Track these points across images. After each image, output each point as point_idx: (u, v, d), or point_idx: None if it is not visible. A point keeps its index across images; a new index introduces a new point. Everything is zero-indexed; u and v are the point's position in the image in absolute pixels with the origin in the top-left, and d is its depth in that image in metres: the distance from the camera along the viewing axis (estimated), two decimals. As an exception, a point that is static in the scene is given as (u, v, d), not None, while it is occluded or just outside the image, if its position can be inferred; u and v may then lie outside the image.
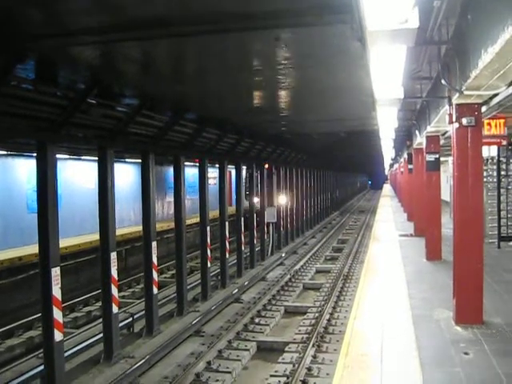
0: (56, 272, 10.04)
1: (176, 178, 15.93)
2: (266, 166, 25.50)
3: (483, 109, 9.64)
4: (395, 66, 6.91)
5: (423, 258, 16.45)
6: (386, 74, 7.55)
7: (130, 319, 14.38)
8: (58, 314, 10.06)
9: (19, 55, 7.95)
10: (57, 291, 10.05)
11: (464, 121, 9.09)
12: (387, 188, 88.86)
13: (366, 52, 6.01)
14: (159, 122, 13.53)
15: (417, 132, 19.19)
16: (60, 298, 10.17)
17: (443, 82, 8.91)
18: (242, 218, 21.55)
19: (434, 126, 13.88)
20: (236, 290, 18.69)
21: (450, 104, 9.29)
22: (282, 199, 28.96)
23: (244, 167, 23.36)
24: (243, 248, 21.59)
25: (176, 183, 15.94)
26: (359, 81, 9.99)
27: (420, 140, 18.62)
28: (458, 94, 8.41)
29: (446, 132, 15.78)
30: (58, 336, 10.03)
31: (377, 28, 4.52)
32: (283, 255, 26.51)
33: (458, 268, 9.77)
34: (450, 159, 26.40)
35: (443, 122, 11.45)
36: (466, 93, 8.12)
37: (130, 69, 9.78)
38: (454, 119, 9.25)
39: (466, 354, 8.17)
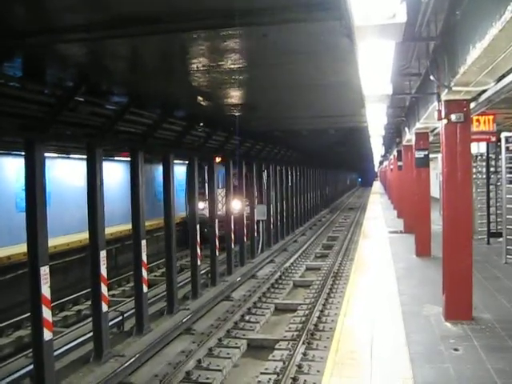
0: (45, 271, 10.00)
1: (165, 176, 15.88)
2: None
3: (472, 105, 9.67)
4: (384, 62, 6.88)
5: (413, 254, 16.49)
6: (375, 70, 7.53)
7: (120, 318, 14.32)
8: (47, 313, 10.02)
9: (6, 53, 7.88)
10: (46, 290, 10.01)
11: (453, 117, 9.09)
12: (377, 185, 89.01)
13: (355, 48, 5.98)
14: (148, 120, 13.47)
15: (406, 129, 19.21)
16: (49, 297, 10.11)
17: (432, 78, 8.91)
18: (232, 217, 21.52)
19: (423, 122, 13.89)
20: (226, 288, 18.66)
21: (439, 100, 9.30)
22: (237, 204, 22.59)
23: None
24: (233, 246, 21.55)
25: (165, 181, 15.90)
26: (348, 77, 9.97)
27: (409, 137, 18.64)
28: (446, 90, 8.41)
29: (435, 128, 15.83)
30: (47, 335, 9.99)
31: (365, 23, 4.49)
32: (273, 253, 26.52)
33: (448, 264, 9.79)
34: (440, 156, 26.47)
35: (432, 118, 11.46)
36: (454, 89, 8.12)
37: (118, 66, 9.74)
38: (442, 115, 9.26)
39: (456, 349, 8.18)
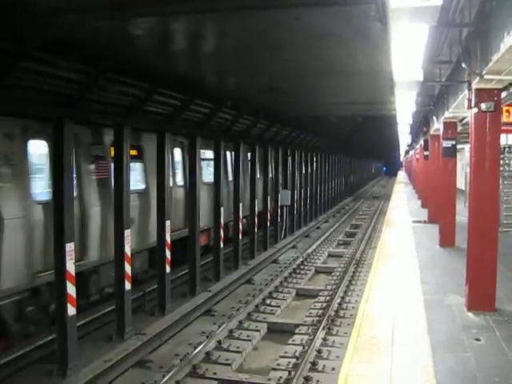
0: (70, 247, 10.11)
1: (191, 159, 15.95)
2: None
3: (503, 94, 9.54)
4: (416, 47, 6.82)
5: (436, 244, 16.43)
6: (407, 56, 7.46)
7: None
8: (71, 289, 10.15)
9: (38, 30, 7.93)
10: (70, 266, 10.13)
11: (483, 106, 9.01)
12: (402, 175, 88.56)
13: (387, 32, 5.94)
14: (176, 101, 13.49)
15: (434, 118, 19.05)
16: (73, 273, 10.24)
17: (463, 65, 8.82)
18: (256, 201, 21.54)
19: (451, 111, 13.77)
20: (248, 272, 18.73)
21: (470, 89, 9.20)
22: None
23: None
24: (256, 230, 21.59)
25: (191, 164, 15.96)
26: (378, 63, 9.88)
27: (437, 126, 18.49)
28: (478, 79, 8.33)
29: (463, 118, 15.66)
30: (71, 310, 10.13)
31: (398, 5, 4.45)
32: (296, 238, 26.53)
33: (472, 254, 9.74)
34: (466, 147, 26.24)
35: (461, 107, 11.36)
36: (486, 77, 8.03)
37: (148, 46, 9.75)
38: (472, 104, 9.18)
39: (478, 340, 8.17)
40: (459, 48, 9.29)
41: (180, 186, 17.47)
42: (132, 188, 12.73)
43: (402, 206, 31.28)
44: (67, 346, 10.10)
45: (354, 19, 7.52)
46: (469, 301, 9.63)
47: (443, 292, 10.80)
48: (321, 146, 34.92)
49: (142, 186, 15.20)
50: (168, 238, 13.96)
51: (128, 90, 11.52)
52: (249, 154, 22.11)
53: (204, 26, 8.51)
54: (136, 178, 14.87)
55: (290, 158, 28.00)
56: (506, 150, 18.85)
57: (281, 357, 11.23)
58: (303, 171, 31.15)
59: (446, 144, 16.33)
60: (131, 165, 12.60)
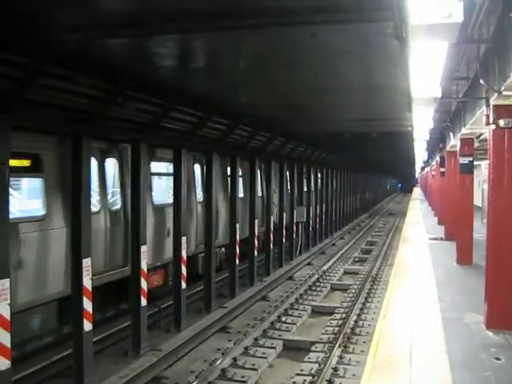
0: (87, 263, 10.14)
1: (207, 175, 15.98)
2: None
3: (521, 111, 9.48)
4: (434, 64, 6.81)
5: (453, 261, 16.30)
6: (424, 72, 7.45)
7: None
8: (87, 304, 10.17)
9: (59, 46, 8.00)
10: (87, 282, 10.16)
11: (501, 122, 8.97)
12: (417, 191, 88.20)
13: (405, 49, 5.93)
14: (192, 118, 13.55)
15: (450, 134, 18.98)
16: (90, 289, 10.26)
17: (481, 81, 8.80)
18: (272, 217, 21.53)
19: (468, 128, 13.71)
20: (263, 288, 18.68)
21: (488, 105, 9.17)
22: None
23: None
24: (271, 247, 21.55)
25: (207, 180, 15.99)
26: (395, 79, 9.86)
27: (454, 142, 18.42)
28: (496, 95, 8.30)
29: (480, 135, 15.59)
30: (87, 326, 10.15)
31: (417, 22, 4.45)
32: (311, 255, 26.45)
33: (491, 272, 9.65)
34: (483, 163, 26.10)
35: (479, 123, 11.32)
36: (504, 93, 8.01)
37: (166, 63, 9.80)
38: (491, 120, 9.13)
39: (498, 359, 8.06)
40: (477, 64, 9.28)
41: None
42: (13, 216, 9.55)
43: (418, 222, 31.13)
44: (83, 362, 10.10)
45: (372, 36, 7.52)
46: (488, 319, 9.53)
47: (461, 310, 10.69)
48: (336, 162, 34.89)
49: (40, 213, 10.87)
50: (184, 254, 13.98)
51: (145, 107, 11.59)
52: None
53: (222, 43, 8.55)
54: (25, 200, 11.70)
55: (305, 175, 28.00)
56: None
57: (297, 374, 11.16)
58: (318, 187, 31.12)
59: (463, 160, 16.26)
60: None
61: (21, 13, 6.62)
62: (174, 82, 11.25)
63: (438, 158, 30.13)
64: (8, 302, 8.26)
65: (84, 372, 10.08)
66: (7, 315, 8.28)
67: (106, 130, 11.21)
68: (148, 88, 11.13)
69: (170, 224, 14.57)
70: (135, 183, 12.10)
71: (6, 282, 8.22)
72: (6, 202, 8.38)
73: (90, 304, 10.27)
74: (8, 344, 8.28)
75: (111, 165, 13.38)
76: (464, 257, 16.08)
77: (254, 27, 7.12)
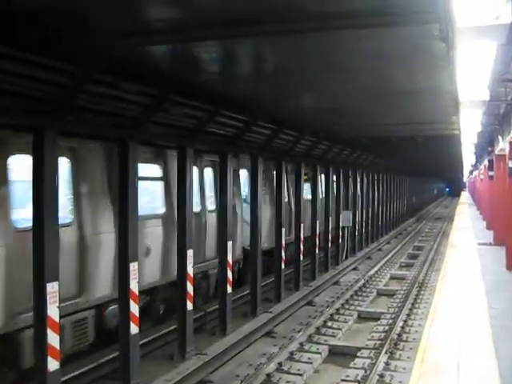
0: (134, 266, 10.27)
1: (252, 180, 16.02)
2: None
3: None
4: (481, 65, 6.70)
5: (503, 267, 15.96)
6: (471, 75, 7.34)
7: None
8: (134, 308, 10.29)
9: (105, 53, 8.13)
10: (134, 285, 10.28)
11: (552, 125, 8.76)
12: (465, 196, 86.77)
13: (451, 52, 5.86)
14: (238, 122, 13.61)
15: (499, 137, 18.62)
16: (137, 292, 10.39)
17: (531, 83, 8.61)
18: (318, 222, 21.45)
19: (518, 130, 13.43)
20: (309, 293, 18.62)
21: (538, 107, 8.97)
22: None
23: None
24: (317, 251, 21.47)
25: (252, 185, 16.03)
26: (441, 82, 9.74)
27: (502, 146, 18.06)
28: (546, 97, 8.11)
29: (531, 138, 15.26)
30: (133, 329, 10.27)
31: (464, 25, 4.39)
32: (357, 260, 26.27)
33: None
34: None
35: (529, 126, 11.08)
36: (554, 95, 7.82)
37: (211, 68, 9.89)
38: (541, 123, 8.93)
39: (549, 367, 7.86)
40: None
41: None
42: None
43: (466, 227, 30.62)
44: (129, 364, 10.21)
45: (417, 39, 7.45)
46: (539, 327, 9.31)
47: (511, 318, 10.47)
48: (382, 166, 34.60)
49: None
50: (230, 259, 14.05)
51: (191, 112, 11.68)
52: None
53: (266, 48, 8.58)
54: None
55: (351, 179, 27.85)
56: None
57: (342, 380, 11.08)
58: (364, 192, 30.92)
59: (513, 164, 15.95)
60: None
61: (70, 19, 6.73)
62: (218, 87, 11.32)
63: (486, 162, 29.57)
64: (57, 304, 8.38)
65: (130, 374, 10.20)
66: (56, 317, 8.44)
67: (151, 136, 11.34)
68: (193, 93, 11.23)
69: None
70: (182, 189, 12.21)
71: (56, 285, 8.40)
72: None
73: (137, 307, 10.40)
74: (57, 346, 8.43)
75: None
76: (514, 262, 15.75)
77: (298, 32, 7.12)
